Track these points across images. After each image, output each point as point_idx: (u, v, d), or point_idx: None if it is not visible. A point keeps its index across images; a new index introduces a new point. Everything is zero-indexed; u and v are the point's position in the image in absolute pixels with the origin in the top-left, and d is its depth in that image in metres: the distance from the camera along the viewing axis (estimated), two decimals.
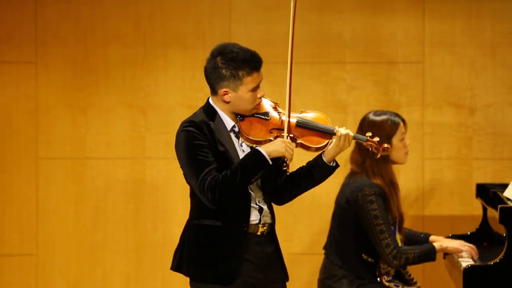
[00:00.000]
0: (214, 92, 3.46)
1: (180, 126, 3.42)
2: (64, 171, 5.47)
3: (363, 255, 4.23)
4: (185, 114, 5.42)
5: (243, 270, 3.39)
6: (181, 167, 3.42)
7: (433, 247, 4.24)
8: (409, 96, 5.37)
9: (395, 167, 5.27)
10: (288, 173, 3.52)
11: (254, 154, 3.33)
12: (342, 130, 3.43)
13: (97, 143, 5.47)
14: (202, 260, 3.40)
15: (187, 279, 5.48)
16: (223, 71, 3.38)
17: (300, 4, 5.39)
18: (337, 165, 3.49)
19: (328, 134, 3.45)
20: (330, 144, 3.45)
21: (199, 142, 3.34)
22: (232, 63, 3.37)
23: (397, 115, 4.29)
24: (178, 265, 3.49)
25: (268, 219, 3.47)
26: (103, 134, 5.47)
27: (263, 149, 3.32)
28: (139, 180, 5.46)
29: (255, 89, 3.41)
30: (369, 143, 3.51)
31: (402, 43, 5.36)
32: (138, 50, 5.46)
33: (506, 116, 5.33)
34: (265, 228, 3.46)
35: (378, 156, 3.56)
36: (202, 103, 5.43)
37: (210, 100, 3.49)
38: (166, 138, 5.45)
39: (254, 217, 3.43)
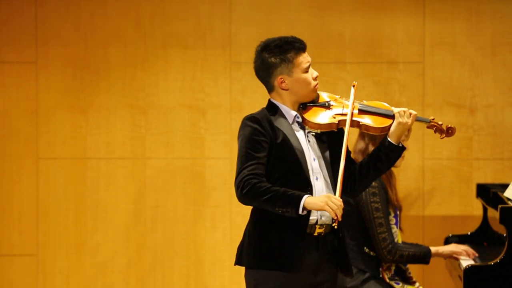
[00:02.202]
0: (270, 87, 3.49)
1: (242, 121, 3.45)
2: (64, 171, 5.47)
3: (365, 248, 4.25)
4: (186, 114, 5.46)
5: (300, 267, 3.36)
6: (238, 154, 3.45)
7: (429, 250, 4.27)
8: (409, 96, 5.37)
9: (395, 168, 5.28)
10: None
11: (296, 195, 3.29)
12: (399, 108, 3.47)
13: (97, 143, 5.47)
14: (261, 248, 3.37)
15: (187, 279, 5.49)
16: (272, 59, 3.43)
17: (300, 4, 5.43)
18: (403, 147, 3.49)
19: (390, 116, 3.48)
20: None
21: (254, 137, 3.36)
22: (278, 49, 3.43)
23: None
24: (239, 258, 3.46)
25: (327, 220, 3.42)
26: (103, 134, 5.47)
27: (306, 198, 3.28)
28: (139, 180, 5.46)
29: (307, 69, 3.45)
30: (432, 123, 3.55)
31: (402, 43, 5.36)
32: (139, 50, 5.45)
33: (506, 117, 5.33)
34: (322, 229, 3.41)
35: (443, 137, 3.56)
36: (202, 103, 5.49)
37: (270, 99, 3.52)
38: (166, 138, 5.45)
39: (312, 216, 3.38)
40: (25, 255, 5.49)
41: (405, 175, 5.35)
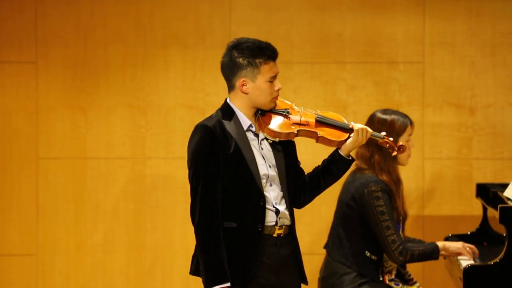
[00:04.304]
0: (231, 87, 3.46)
1: (194, 130, 3.43)
2: (64, 171, 5.47)
3: (366, 252, 4.23)
4: (186, 114, 5.46)
5: (258, 272, 3.39)
6: (187, 166, 3.44)
7: (437, 246, 4.25)
8: (409, 96, 5.37)
9: None
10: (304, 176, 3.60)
11: (221, 277, 3.34)
12: (359, 125, 3.52)
13: (97, 143, 5.47)
14: None
15: (187, 280, 5.49)
16: (240, 60, 3.41)
17: (300, 4, 5.43)
18: (353, 159, 3.56)
19: (346, 129, 3.53)
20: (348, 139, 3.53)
21: (207, 157, 3.35)
22: (248, 51, 3.41)
23: (406, 116, 4.32)
24: (195, 269, 3.51)
25: (286, 221, 3.46)
26: (103, 134, 5.47)
27: (222, 285, 3.33)
28: (139, 180, 5.46)
29: (272, 79, 3.42)
30: (385, 140, 3.63)
31: (402, 43, 5.36)
32: (139, 50, 5.46)
33: (506, 116, 5.33)
34: (282, 230, 3.45)
35: (394, 154, 3.68)
36: (202, 103, 5.49)
37: (228, 100, 3.50)
38: (166, 138, 5.45)
39: (270, 218, 3.41)
40: (25, 255, 5.49)
41: (405, 175, 5.34)
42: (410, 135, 4.30)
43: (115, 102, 5.46)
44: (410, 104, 5.35)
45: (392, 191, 4.22)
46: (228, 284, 3.33)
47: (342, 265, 4.25)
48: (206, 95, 5.46)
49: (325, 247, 4.39)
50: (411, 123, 4.31)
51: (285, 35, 5.40)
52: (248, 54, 3.40)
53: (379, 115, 4.29)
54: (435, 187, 5.35)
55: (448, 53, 5.35)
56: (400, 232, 4.32)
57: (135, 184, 5.47)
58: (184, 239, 5.45)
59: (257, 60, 3.40)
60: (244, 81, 3.41)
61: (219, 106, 5.45)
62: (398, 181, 4.31)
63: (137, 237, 5.47)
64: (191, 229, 5.44)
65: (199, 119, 5.41)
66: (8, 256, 5.49)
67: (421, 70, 5.37)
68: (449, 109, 5.35)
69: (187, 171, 5.42)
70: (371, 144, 4.15)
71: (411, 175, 5.35)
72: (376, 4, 5.37)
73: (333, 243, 4.32)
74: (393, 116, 4.27)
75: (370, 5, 5.37)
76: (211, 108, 5.43)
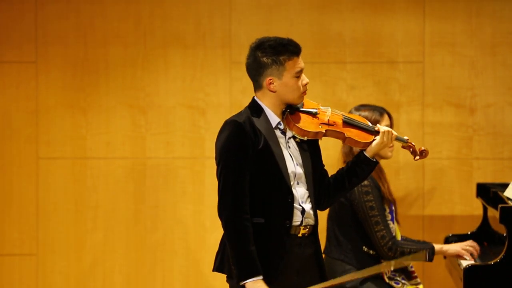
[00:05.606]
0: (258, 86, 3.47)
1: (223, 125, 3.44)
2: (64, 171, 5.47)
3: (363, 247, 4.25)
4: (186, 114, 5.46)
5: (283, 271, 3.39)
6: (216, 162, 3.43)
7: (433, 247, 4.25)
8: (409, 96, 5.37)
9: (395, 168, 5.28)
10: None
11: (251, 271, 3.31)
12: (385, 128, 3.54)
13: (97, 143, 5.47)
14: None
15: (187, 280, 5.49)
16: (264, 59, 3.42)
17: (300, 4, 5.43)
18: (377, 161, 3.58)
19: (372, 131, 3.56)
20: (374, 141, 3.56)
21: (234, 151, 3.35)
22: (271, 50, 3.41)
23: (381, 108, 4.33)
24: (219, 265, 3.49)
25: (310, 221, 3.48)
26: (103, 134, 5.47)
27: (255, 280, 3.31)
28: (139, 180, 5.46)
29: (298, 74, 3.43)
30: (408, 144, 3.65)
31: (402, 43, 5.36)
32: (138, 50, 5.46)
33: (506, 116, 5.33)
34: (306, 230, 3.46)
35: (416, 159, 3.65)
36: (202, 103, 5.48)
37: (255, 98, 3.51)
38: (166, 138, 5.45)
39: (297, 218, 3.43)
40: (25, 255, 5.49)
41: (405, 175, 5.35)
42: (387, 126, 4.30)
43: (115, 102, 5.46)
44: (410, 104, 5.35)
45: (374, 178, 4.24)
46: (261, 277, 3.32)
47: (341, 262, 4.26)
48: (206, 95, 5.46)
49: (324, 251, 4.40)
50: (387, 114, 4.33)
51: (285, 35, 5.36)
52: (271, 53, 3.41)
53: (353, 112, 4.32)
54: (435, 187, 5.35)
55: (448, 53, 5.35)
56: (395, 225, 4.33)
57: (135, 184, 5.47)
58: (184, 239, 5.45)
59: (281, 57, 3.41)
60: (271, 79, 3.42)
61: (219, 106, 5.48)
62: (379, 168, 4.32)
63: (137, 237, 5.47)
64: (191, 229, 5.47)
65: (199, 119, 5.45)
66: (8, 256, 5.49)
67: (421, 70, 5.37)
68: (449, 109, 5.35)
69: (186, 171, 5.46)
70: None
71: (411, 175, 5.35)
72: (376, 4, 5.37)
73: (330, 243, 4.33)
74: (366, 113, 4.30)
75: (370, 5, 5.37)
76: (211, 108, 5.44)
